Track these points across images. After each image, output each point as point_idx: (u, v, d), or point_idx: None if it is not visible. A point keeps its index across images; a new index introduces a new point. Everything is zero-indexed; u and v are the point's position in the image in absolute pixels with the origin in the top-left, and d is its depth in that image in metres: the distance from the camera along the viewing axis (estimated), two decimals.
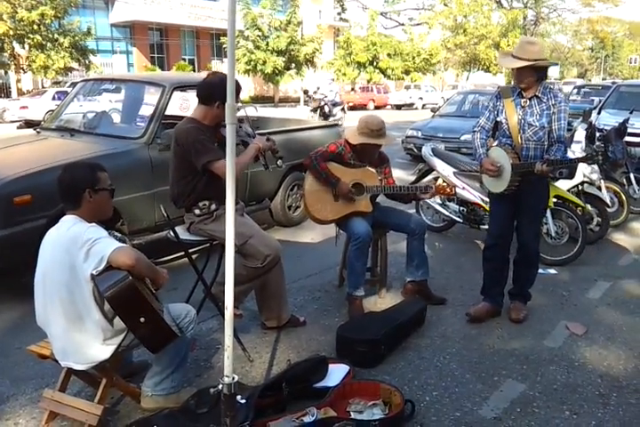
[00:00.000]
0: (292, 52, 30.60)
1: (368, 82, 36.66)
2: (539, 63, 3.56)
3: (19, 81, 26.27)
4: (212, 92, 3.33)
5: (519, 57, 3.57)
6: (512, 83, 3.85)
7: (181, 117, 5.47)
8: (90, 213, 2.57)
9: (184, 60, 34.14)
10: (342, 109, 18.09)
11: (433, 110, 13.37)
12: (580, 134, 5.99)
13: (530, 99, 3.68)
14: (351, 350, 3.35)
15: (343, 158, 4.11)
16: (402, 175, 8.41)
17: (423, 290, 4.24)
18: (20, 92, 25.17)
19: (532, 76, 3.60)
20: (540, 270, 4.79)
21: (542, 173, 3.55)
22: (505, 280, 4.05)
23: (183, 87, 5.28)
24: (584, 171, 5.67)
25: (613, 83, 15.41)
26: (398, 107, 33.91)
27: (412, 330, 3.74)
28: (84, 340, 2.51)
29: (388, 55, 36.33)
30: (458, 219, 5.79)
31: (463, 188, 5.51)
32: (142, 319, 2.39)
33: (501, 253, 3.97)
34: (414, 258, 4.22)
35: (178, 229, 3.48)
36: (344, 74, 36.38)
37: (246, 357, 3.38)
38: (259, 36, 30.17)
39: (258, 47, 30.11)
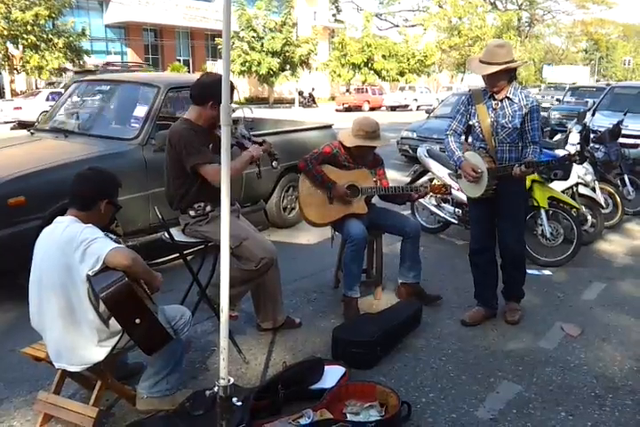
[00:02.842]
0: (287, 54, 30.64)
1: (363, 83, 36.72)
2: (511, 65, 3.53)
3: (12, 82, 26.15)
4: (205, 92, 3.32)
5: (490, 62, 3.51)
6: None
7: (176, 118, 5.46)
8: (91, 220, 2.57)
9: (179, 60, 34.12)
10: None
11: (428, 112, 13.38)
12: (575, 136, 6.01)
13: (501, 100, 3.64)
14: (347, 352, 3.34)
15: (338, 160, 4.11)
16: (397, 176, 8.43)
17: (416, 292, 4.24)
18: (14, 93, 25.07)
19: (504, 79, 3.57)
20: (535, 272, 4.82)
21: (520, 176, 3.53)
22: (496, 282, 4.03)
23: (178, 88, 5.27)
24: (578, 172, 5.69)
25: (607, 84, 15.47)
26: (393, 108, 33.97)
27: (407, 331, 3.74)
28: (79, 341, 2.50)
29: (383, 57, 36.40)
30: (453, 220, 5.79)
31: (458, 189, 5.51)
32: (137, 320, 2.39)
33: (487, 256, 3.95)
34: (407, 260, 4.23)
35: (173, 230, 3.47)
36: (339, 75, 36.43)
37: (242, 359, 3.37)
38: (254, 37, 30.19)
39: (253, 48, 30.13)
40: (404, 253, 4.21)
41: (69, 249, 2.40)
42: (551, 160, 3.92)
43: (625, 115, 7.73)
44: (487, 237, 3.93)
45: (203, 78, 3.44)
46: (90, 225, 2.50)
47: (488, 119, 3.66)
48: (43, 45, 23.71)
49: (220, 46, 27.78)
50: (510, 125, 3.62)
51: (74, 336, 2.49)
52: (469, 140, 3.96)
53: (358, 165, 4.14)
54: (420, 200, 5.55)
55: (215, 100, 3.20)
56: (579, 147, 5.82)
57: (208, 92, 3.28)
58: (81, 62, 25.57)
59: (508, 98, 3.63)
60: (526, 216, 4.81)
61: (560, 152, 5.68)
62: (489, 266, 3.98)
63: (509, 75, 3.58)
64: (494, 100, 3.67)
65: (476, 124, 3.73)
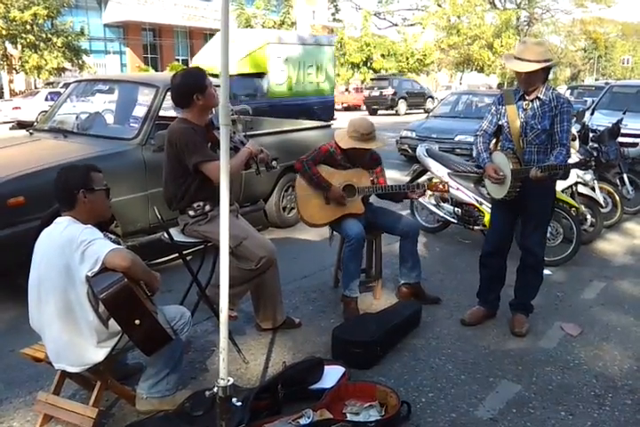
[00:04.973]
0: None
1: (362, 82, 36.70)
2: (550, 64, 3.46)
3: (11, 82, 26.15)
4: (183, 92, 3.34)
5: (530, 59, 3.40)
6: (515, 85, 3.72)
7: (174, 118, 5.47)
8: (86, 214, 2.56)
9: (177, 60, 34.05)
10: None
11: (427, 111, 13.39)
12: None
13: (532, 101, 3.56)
14: (347, 352, 3.34)
15: (335, 159, 4.10)
16: (396, 176, 8.42)
17: (417, 292, 4.24)
18: (13, 93, 25.05)
19: (540, 79, 3.49)
20: None
21: (537, 178, 3.42)
22: (502, 285, 3.99)
23: None
24: (578, 172, 5.68)
25: (606, 83, 15.47)
26: None
27: (407, 331, 3.74)
28: (79, 342, 2.50)
29: (382, 56, 36.43)
30: (452, 220, 5.79)
31: (457, 188, 5.51)
32: (137, 322, 2.38)
33: (499, 260, 3.90)
34: (407, 260, 4.21)
35: (172, 230, 3.46)
36: (338, 74, 36.37)
37: (241, 359, 3.37)
38: None
39: None
40: (404, 253, 4.20)
41: (69, 250, 2.40)
42: (568, 164, 3.84)
43: (624, 114, 7.71)
44: (503, 242, 3.87)
45: (173, 81, 3.41)
46: (89, 226, 2.50)
47: (518, 120, 3.58)
48: (41, 45, 23.70)
49: None
50: (539, 126, 3.54)
51: (73, 337, 2.49)
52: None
53: (355, 165, 4.12)
54: (420, 200, 5.55)
55: (197, 92, 3.27)
56: (595, 152, 5.81)
57: (184, 91, 3.31)
58: (80, 62, 25.54)
59: (539, 98, 3.54)
60: None
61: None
62: (498, 270, 3.93)
63: (545, 74, 3.52)
64: (525, 100, 3.59)
65: (505, 124, 3.65)
